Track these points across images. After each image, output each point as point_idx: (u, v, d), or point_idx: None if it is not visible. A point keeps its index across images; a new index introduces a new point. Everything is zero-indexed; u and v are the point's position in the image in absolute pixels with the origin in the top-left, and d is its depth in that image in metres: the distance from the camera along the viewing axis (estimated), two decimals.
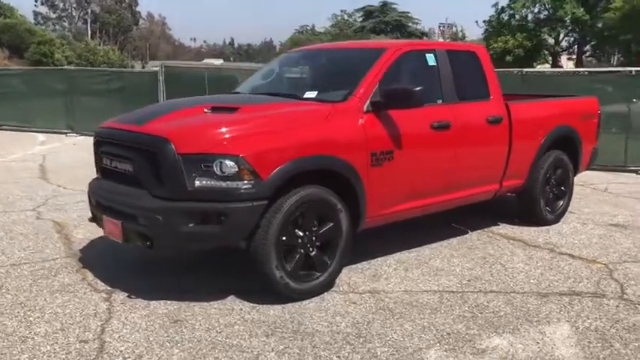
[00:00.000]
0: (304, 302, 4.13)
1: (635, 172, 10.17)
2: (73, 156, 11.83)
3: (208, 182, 3.76)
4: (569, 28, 37.26)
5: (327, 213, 4.19)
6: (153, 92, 14.03)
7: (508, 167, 5.74)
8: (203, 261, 4.95)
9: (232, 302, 4.14)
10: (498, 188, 5.78)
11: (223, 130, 3.92)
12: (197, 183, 3.76)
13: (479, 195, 5.64)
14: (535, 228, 6.26)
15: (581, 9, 34.19)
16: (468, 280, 4.64)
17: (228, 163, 3.72)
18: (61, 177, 9.09)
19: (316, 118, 4.25)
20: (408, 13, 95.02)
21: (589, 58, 43.44)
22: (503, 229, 6.25)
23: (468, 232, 6.06)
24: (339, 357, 3.38)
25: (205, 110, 4.28)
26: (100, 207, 4.35)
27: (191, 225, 3.79)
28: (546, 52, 40.31)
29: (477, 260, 5.16)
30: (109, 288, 4.38)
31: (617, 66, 35.56)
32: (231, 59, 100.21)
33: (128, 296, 4.22)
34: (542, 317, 3.95)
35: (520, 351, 3.46)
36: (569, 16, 35.16)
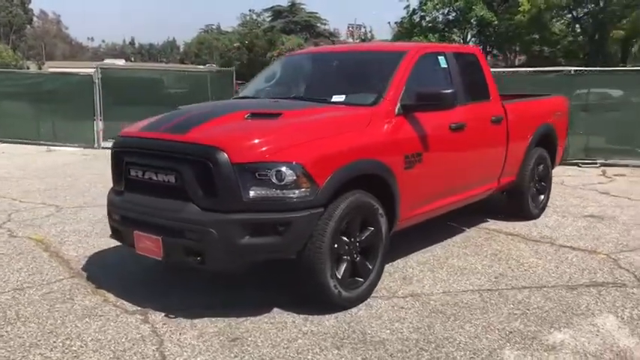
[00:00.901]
0: (352, 310, 4.05)
1: (577, 164, 10.84)
2: (4, 165, 10.94)
3: (264, 192, 3.59)
4: (477, 29, 39.04)
5: (369, 218, 4.13)
6: (87, 96, 13.27)
7: (505, 165, 5.93)
8: (216, 273, 4.69)
9: (280, 315, 3.98)
10: (497, 186, 5.96)
11: (277, 137, 3.76)
12: (252, 193, 3.58)
13: (483, 193, 5.79)
14: (523, 222, 6.51)
15: (487, 11, 35.89)
16: (495, 278, 4.74)
17: (286, 171, 3.57)
18: (8, 190, 8.38)
19: (358, 123, 4.17)
20: (317, 13, 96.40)
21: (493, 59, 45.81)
22: (494, 224, 6.44)
23: (465, 230, 6.20)
24: None
25: (246, 116, 4.08)
26: (129, 222, 4.04)
27: (248, 237, 3.60)
28: None
29: (491, 257, 5.29)
30: (139, 308, 4.08)
31: (518, 66, 37.82)
32: (132, 59, 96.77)
33: (166, 316, 3.96)
34: (585, 310, 4.10)
35: (587, 344, 3.58)
36: (476, 18, 36.83)
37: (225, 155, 3.56)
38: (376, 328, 3.79)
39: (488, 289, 4.49)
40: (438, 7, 37.69)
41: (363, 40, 79.61)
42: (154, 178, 3.86)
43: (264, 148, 3.64)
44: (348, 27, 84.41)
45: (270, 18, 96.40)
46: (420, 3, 39.12)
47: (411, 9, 39.12)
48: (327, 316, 3.96)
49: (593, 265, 5.07)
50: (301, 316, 3.96)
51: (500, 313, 4.05)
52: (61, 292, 4.39)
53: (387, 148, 4.28)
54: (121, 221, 4.13)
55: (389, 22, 45.64)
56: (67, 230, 6.17)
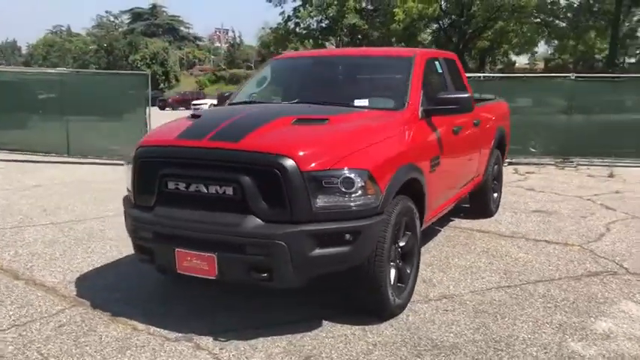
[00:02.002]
0: (401, 317, 4.02)
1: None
2: None
3: (332, 200, 3.44)
4: (350, 36, 40.47)
5: (409, 222, 4.13)
6: None
7: (479, 165, 6.22)
8: (224, 290, 4.42)
9: (334, 327, 3.85)
10: (473, 186, 6.23)
11: (340, 143, 3.63)
12: (319, 202, 3.42)
13: (467, 193, 6.01)
14: (484, 220, 6.87)
15: (359, 19, 37.40)
16: (505, 274, 4.95)
17: (355, 178, 3.45)
18: None
19: (397, 128, 4.15)
20: (179, 16, 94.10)
21: None
22: (462, 223, 6.73)
23: (440, 230, 6.40)
24: None
25: (293, 122, 3.87)
26: (167, 240, 3.66)
27: (318, 249, 3.43)
28: None
29: (485, 255, 5.51)
30: (179, 334, 3.73)
31: None
32: None
33: (216, 339, 3.66)
34: (604, 298, 4.42)
35: (632, 330, 3.86)
36: (349, 26, 38.21)
37: (294, 163, 3.37)
38: (438, 333, 3.78)
39: (507, 286, 4.67)
40: (312, 14, 38.53)
41: (232, 45, 79.30)
42: (204, 190, 3.53)
43: (331, 156, 3.49)
44: (215, 31, 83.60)
45: (129, 20, 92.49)
46: (295, 10, 39.79)
47: (286, 15, 39.65)
48: (381, 325, 3.89)
49: (577, 257, 5.47)
50: (356, 327, 3.85)
51: (536, 307, 4.23)
52: (74, 324, 3.87)
53: (420, 151, 4.31)
54: (155, 239, 3.73)
55: (263, 28, 45.69)
56: (23, 254, 5.45)
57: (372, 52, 6.46)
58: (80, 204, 7.78)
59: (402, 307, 4.04)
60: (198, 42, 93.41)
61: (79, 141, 12.19)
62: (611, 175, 10.47)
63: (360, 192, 3.47)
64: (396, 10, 30.64)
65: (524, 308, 4.20)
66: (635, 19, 31.56)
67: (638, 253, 5.60)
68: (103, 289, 4.53)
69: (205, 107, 40.52)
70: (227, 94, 7.44)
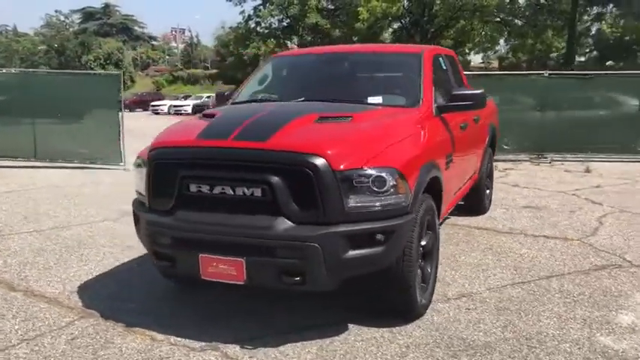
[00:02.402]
0: (425, 317, 3.96)
1: None
2: None
3: (363, 200, 3.34)
4: (312, 35, 40.39)
5: (430, 221, 4.06)
6: None
7: (476, 163, 6.22)
8: (240, 295, 4.27)
9: (361, 330, 3.75)
10: (472, 183, 6.23)
11: (369, 141, 3.53)
12: (351, 202, 3.31)
13: (467, 191, 5.99)
14: (479, 217, 6.88)
15: (321, 18, 37.36)
16: (515, 270, 4.94)
17: (387, 176, 3.35)
18: None
19: (416, 125, 4.08)
20: (133, 16, 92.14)
21: None
22: (458, 220, 6.71)
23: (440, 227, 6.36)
24: None
25: (316, 120, 3.74)
26: (190, 245, 3.49)
27: (351, 251, 3.33)
28: None
29: (489, 251, 5.50)
30: (204, 343, 3.57)
31: None
32: None
33: (243, 347, 3.52)
34: (620, 292, 4.44)
35: None
36: (310, 24, 38.08)
37: (327, 163, 3.25)
38: (467, 332, 3.73)
39: (521, 282, 4.66)
40: (273, 13, 38.30)
41: (190, 45, 78.13)
42: (230, 192, 3.37)
43: (362, 154, 3.39)
44: (171, 31, 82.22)
45: (80, 20, 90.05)
46: (255, 9, 39.47)
47: (246, 15, 39.28)
48: (408, 326, 3.81)
49: (579, 251, 5.52)
50: (383, 329, 3.77)
51: (555, 302, 4.22)
52: (88, 336, 3.66)
53: (438, 149, 4.26)
54: (176, 245, 3.55)
55: (222, 27, 45.04)
56: (13, 263, 5.16)
57: (378, 48, 6.38)
58: (60, 209, 7.46)
59: (426, 307, 3.98)
60: (153, 42, 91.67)
61: (46, 144, 11.71)
62: (587, 170, 10.70)
63: (391, 191, 3.37)
64: (360, 9, 30.75)
65: (544, 304, 4.19)
66: (590, 17, 32.63)
67: (637, 246, 5.68)
68: (109, 299, 4.31)
69: (165, 109, 39.81)
70: (227, 92, 7.02)
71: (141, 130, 11.47)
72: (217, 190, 3.41)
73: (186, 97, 40.68)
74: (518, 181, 9.68)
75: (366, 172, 3.33)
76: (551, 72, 12.23)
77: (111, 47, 70.84)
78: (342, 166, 3.27)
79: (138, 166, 3.94)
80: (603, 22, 36.38)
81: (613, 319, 3.94)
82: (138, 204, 3.94)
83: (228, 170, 3.41)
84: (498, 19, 31.75)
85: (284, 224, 3.29)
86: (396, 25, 35.04)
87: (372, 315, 3.93)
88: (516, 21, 30.09)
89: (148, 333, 3.70)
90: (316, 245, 3.23)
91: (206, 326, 3.80)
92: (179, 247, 3.54)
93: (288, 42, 41.58)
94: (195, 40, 74.95)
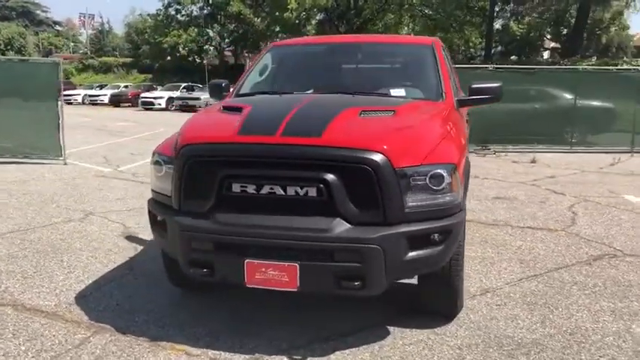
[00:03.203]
0: (461, 315, 3.87)
1: None
2: None
3: (422, 198, 3.18)
4: (234, 24, 39.55)
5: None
6: None
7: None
8: (262, 300, 4.03)
9: (405, 334, 3.61)
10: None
11: (423, 137, 3.37)
12: (410, 201, 3.15)
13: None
14: None
15: (244, 7, 36.63)
16: (522, 264, 4.98)
17: (444, 173, 3.22)
18: None
19: (449, 119, 3.96)
20: None
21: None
22: None
23: None
24: (601, 356, 3.36)
25: (360, 114, 3.52)
26: (234, 250, 3.19)
27: (412, 252, 3.17)
28: (212, 47, 42.11)
29: (486, 245, 5.53)
30: (247, 356, 3.30)
31: None
32: None
33: (291, 358, 3.28)
34: (629, 282, 4.56)
35: None
36: (233, 12, 37.22)
37: (387, 160, 3.07)
38: (510, 330, 3.68)
39: (534, 275, 4.69)
40: (195, 0, 37.12)
41: (101, 32, 74.40)
42: (280, 192, 3.11)
43: (419, 150, 3.23)
44: (80, 16, 77.86)
45: None
46: None
47: (166, 1, 37.79)
48: (448, 326, 3.71)
49: (569, 242, 5.66)
50: (424, 330, 3.65)
51: (576, 294, 4.27)
52: (113, 355, 3.28)
53: (465, 143, 4.16)
54: (217, 250, 3.23)
55: (140, 14, 42.83)
56: None
57: (387, 39, 6.19)
58: (12, 210, 6.77)
59: (462, 306, 3.89)
60: (57, 27, 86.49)
61: None
62: (533, 161, 11.12)
63: (447, 188, 3.24)
64: None
65: (567, 297, 4.23)
66: (506, 15, 34.16)
67: (618, 235, 5.90)
68: (115, 309, 3.92)
69: (79, 98, 37.57)
70: (224, 84, 6.36)
71: (65, 122, 10.67)
72: (265, 190, 3.13)
73: (101, 87, 38.66)
74: (473, 172, 9.83)
75: (424, 169, 3.17)
76: (496, 66, 12.58)
77: (11, 32, 66.16)
78: (402, 163, 3.10)
79: (157, 164, 3.57)
80: (514, 18, 38.25)
81: (638, 309, 4.02)
82: (159, 206, 3.57)
83: (278, 168, 3.13)
84: (423, 14, 32.49)
85: (342, 226, 3.08)
86: (320, 17, 35.00)
87: (405, 316, 3.80)
88: (439, 15, 30.92)
89: (179, 347, 3.38)
90: (378, 247, 3.05)
91: (239, 336, 3.52)
92: (221, 252, 3.23)
93: (210, 31, 40.53)
94: (107, 26, 71.41)
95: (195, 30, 37.32)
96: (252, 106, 3.65)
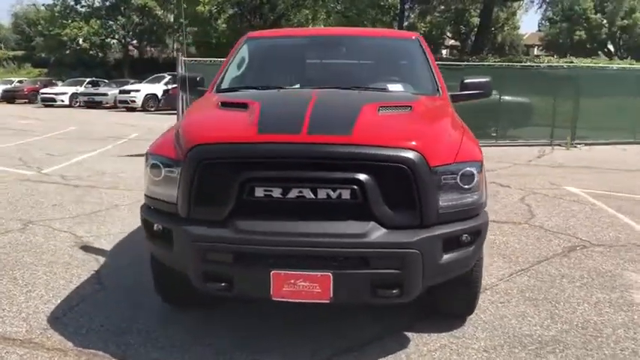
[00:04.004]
0: (472, 318, 3.77)
1: None
2: None
3: (452, 198, 3.04)
4: (140, 17, 37.86)
5: None
6: None
7: None
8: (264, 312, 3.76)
9: (425, 340, 3.46)
10: None
11: (449, 133, 3.22)
12: (442, 202, 3.00)
13: None
14: None
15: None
16: (504, 258, 4.98)
17: (474, 171, 3.09)
18: None
19: (455, 115, 3.84)
20: None
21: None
22: None
23: None
24: (622, 349, 3.38)
25: (378, 110, 3.30)
26: (257, 261, 2.89)
27: (446, 254, 3.02)
28: (115, 41, 40.13)
29: None
30: None
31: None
32: None
33: None
34: (610, 272, 4.67)
35: None
36: (138, 4, 35.64)
37: (424, 158, 2.89)
38: (526, 328, 3.63)
39: (521, 270, 4.70)
40: None
41: None
42: (310, 195, 2.84)
43: (449, 148, 3.08)
44: None
45: None
46: None
47: None
48: (465, 328, 3.61)
49: (537, 234, 5.77)
50: (443, 334, 3.52)
51: (569, 288, 4.31)
52: None
53: None
54: (239, 262, 2.91)
55: (43, 5, 39.20)
56: None
57: (370, 32, 5.97)
58: None
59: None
60: None
61: None
62: None
63: (475, 187, 3.11)
64: None
65: (562, 290, 4.26)
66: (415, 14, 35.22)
67: (578, 225, 6.11)
68: (102, 332, 3.47)
69: None
70: (198, 77, 5.59)
71: None
72: (293, 194, 2.85)
73: None
74: None
75: (456, 167, 3.04)
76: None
77: None
78: (437, 162, 2.94)
79: (155, 167, 3.18)
80: (419, 17, 39.55)
81: (632, 299, 4.11)
82: (159, 214, 3.18)
83: (308, 170, 2.86)
84: (337, 10, 32.65)
85: (378, 230, 2.87)
86: (232, 11, 34.24)
87: (416, 319, 3.67)
88: (352, 12, 31.23)
89: None
90: (417, 252, 2.86)
91: (250, 353, 3.22)
92: (243, 264, 2.91)
93: (112, 23, 38.54)
94: None
95: (98, 22, 35.35)
96: (260, 103, 3.33)
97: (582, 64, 17.02)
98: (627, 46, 48.62)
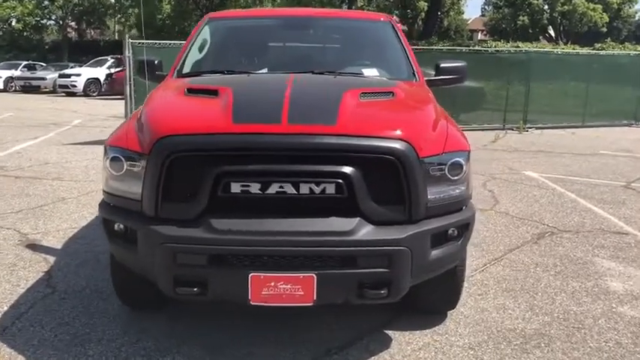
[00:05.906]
0: (452, 311, 3.64)
1: None
2: None
3: (440, 190, 2.86)
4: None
5: None
6: None
7: None
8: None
9: (407, 338, 3.30)
10: None
11: (436, 122, 3.03)
12: (430, 195, 2.82)
13: None
14: None
15: None
16: (476, 247, 4.85)
17: (463, 162, 2.92)
18: None
19: (435, 102, 3.66)
20: None
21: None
22: None
23: None
24: (606, 341, 3.31)
25: (360, 96, 3.07)
26: (234, 262, 2.64)
27: (434, 250, 2.85)
28: (52, 22, 38.39)
29: None
30: None
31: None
32: None
33: None
34: (582, 260, 4.65)
35: None
36: None
37: (414, 149, 2.70)
38: (507, 322, 3.52)
39: (494, 259, 4.62)
40: None
41: None
42: (292, 191, 2.60)
43: (437, 137, 2.90)
44: None
45: None
46: None
47: None
48: (447, 324, 3.48)
49: (504, 221, 5.73)
50: (425, 332, 3.37)
51: (544, 277, 4.25)
52: None
53: None
54: (212, 264, 2.64)
55: None
56: None
57: (340, 13, 5.68)
58: None
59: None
60: None
61: None
62: None
63: (462, 178, 2.95)
64: None
65: (538, 280, 4.20)
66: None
67: (542, 211, 6.11)
68: (56, 342, 3.15)
69: None
70: (156, 61, 4.03)
71: None
72: (273, 189, 2.61)
73: None
74: None
75: (445, 157, 2.86)
76: None
77: None
78: (426, 152, 2.76)
79: (115, 160, 2.86)
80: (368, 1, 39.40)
81: (607, 287, 4.09)
82: (121, 212, 2.87)
83: (289, 163, 2.62)
84: None
85: (365, 227, 2.66)
86: None
87: (393, 315, 3.51)
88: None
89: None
90: (407, 249, 2.68)
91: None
92: (218, 266, 2.65)
93: (49, 3, 36.63)
94: None
95: (33, 2, 33.54)
96: (232, 89, 3.05)
97: (535, 49, 17.20)
98: (567, 32, 50.02)
